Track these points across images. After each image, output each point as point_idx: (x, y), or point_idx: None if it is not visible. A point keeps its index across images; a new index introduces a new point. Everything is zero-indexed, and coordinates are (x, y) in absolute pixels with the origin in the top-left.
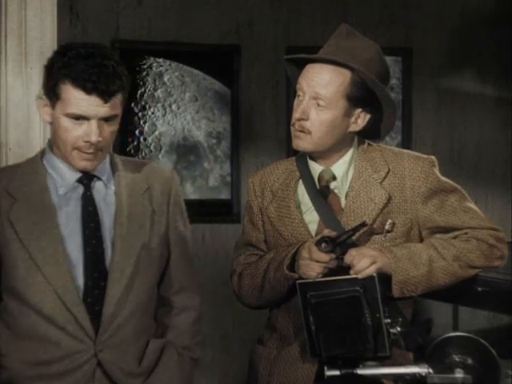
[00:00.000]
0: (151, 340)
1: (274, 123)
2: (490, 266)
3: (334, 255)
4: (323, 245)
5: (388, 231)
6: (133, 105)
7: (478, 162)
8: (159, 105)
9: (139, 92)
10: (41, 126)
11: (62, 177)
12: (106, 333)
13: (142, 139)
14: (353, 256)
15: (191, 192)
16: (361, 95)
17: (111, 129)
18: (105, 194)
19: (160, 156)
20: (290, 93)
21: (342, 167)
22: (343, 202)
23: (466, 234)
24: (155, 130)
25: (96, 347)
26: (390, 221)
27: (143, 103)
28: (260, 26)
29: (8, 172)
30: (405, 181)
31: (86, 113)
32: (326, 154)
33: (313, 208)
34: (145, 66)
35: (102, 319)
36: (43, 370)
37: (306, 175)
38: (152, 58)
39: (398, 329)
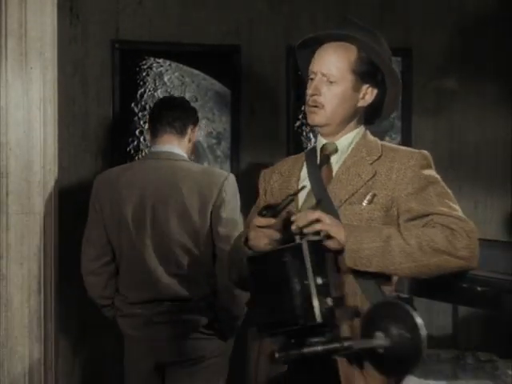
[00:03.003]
0: None
1: (273, 123)
2: (456, 256)
3: (274, 220)
4: (264, 212)
5: (369, 202)
6: (133, 105)
7: (477, 162)
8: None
9: (139, 92)
10: (41, 126)
11: None
12: None
13: (142, 139)
14: (298, 215)
15: None
16: (367, 70)
17: None
18: None
19: None
20: (290, 93)
21: (346, 141)
22: (335, 173)
23: (432, 220)
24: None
25: None
26: (371, 192)
27: (143, 103)
28: (260, 26)
29: None
30: (393, 164)
31: None
32: (336, 129)
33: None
34: (145, 67)
35: None
36: None
37: (311, 152)
38: (152, 59)
39: (330, 299)
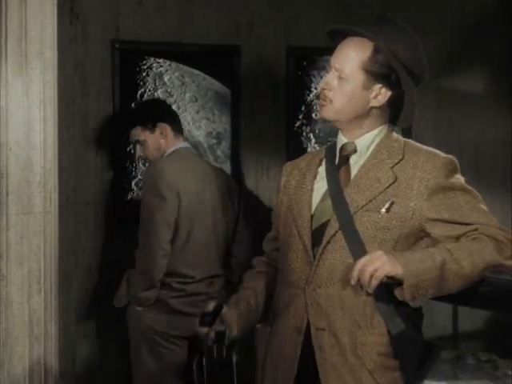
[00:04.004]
0: None
1: (273, 123)
2: (503, 266)
3: (207, 329)
4: (201, 320)
5: (386, 210)
6: (133, 105)
7: (477, 162)
8: None
9: (139, 92)
10: (41, 126)
11: None
12: None
13: None
14: (356, 270)
15: None
16: (381, 71)
17: None
18: None
19: None
20: (290, 93)
21: (365, 141)
22: (353, 175)
23: (475, 230)
24: None
25: None
26: (389, 201)
27: None
28: (260, 26)
29: None
30: (416, 171)
31: None
32: (350, 126)
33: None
34: (145, 67)
35: None
36: None
37: (331, 150)
38: (152, 59)
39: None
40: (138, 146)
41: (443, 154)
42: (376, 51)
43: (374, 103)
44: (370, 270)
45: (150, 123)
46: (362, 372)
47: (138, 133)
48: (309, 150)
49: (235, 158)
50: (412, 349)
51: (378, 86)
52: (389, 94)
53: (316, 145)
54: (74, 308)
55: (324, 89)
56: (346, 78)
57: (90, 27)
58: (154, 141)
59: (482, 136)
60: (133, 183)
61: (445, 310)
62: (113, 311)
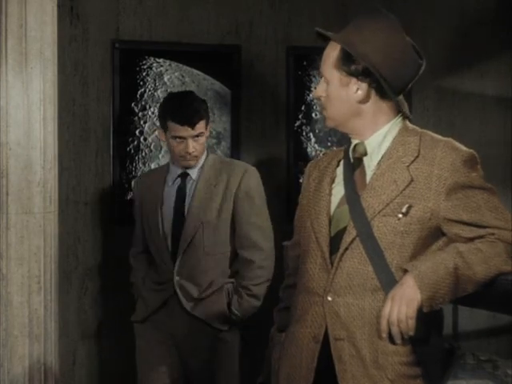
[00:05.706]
0: None
1: (273, 123)
2: None
3: None
4: None
5: (404, 214)
6: (133, 105)
7: None
8: (159, 105)
9: (139, 92)
10: (41, 126)
11: None
12: None
13: (142, 139)
14: (384, 325)
15: None
16: (351, 66)
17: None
18: None
19: (160, 156)
20: (290, 93)
21: (376, 140)
22: (369, 178)
23: (492, 234)
24: (155, 130)
25: None
26: (407, 204)
27: (143, 103)
28: (260, 25)
29: None
30: (433, 169)
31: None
32: (354, 129)
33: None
34: (145, 66)
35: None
36: None
37: (347, 151)
38: (152, 58)
39: None
40: (191, 141)
41: (462, 148)
42: (343, 48)
43: (357, 98)
44: (402, 316)
45: (209, 120)
46: (384, 382)
47: (204, 126)
48: (309, 150)
49: (235, 158)
50: (434, 354)
51: (353, 81)
52: (363, 85)
53: (316, 145)
54: (74, 308)
55: (317, 98)
56: (328, 81)
57: (90, 27)
58: (206, 138)
59: (482, 136)
60: (133, 183)
61: (445, 309)
62: (113, 311)
